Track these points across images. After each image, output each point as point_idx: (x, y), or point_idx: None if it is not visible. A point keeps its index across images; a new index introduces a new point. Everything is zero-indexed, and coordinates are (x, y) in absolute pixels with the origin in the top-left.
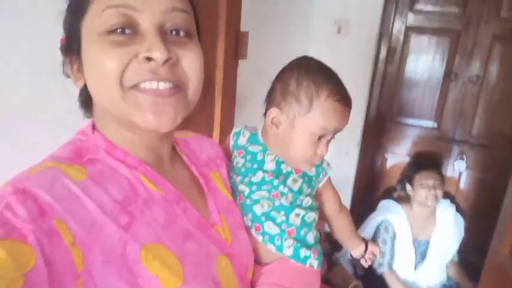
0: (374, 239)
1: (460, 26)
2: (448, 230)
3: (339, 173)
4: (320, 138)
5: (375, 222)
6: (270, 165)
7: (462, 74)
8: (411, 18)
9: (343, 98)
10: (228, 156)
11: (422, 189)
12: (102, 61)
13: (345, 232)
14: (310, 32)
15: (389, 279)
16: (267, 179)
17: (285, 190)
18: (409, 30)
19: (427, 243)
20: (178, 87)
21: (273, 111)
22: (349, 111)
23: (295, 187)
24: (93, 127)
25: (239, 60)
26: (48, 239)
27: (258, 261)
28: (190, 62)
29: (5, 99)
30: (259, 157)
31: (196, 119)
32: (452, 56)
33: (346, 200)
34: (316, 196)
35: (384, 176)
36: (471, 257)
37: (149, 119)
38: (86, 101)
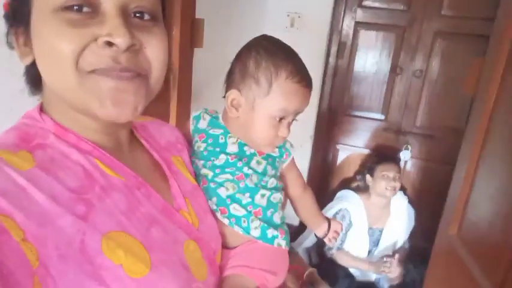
0: None
1: (405, 22)
2: (400, 219)
3: None
4: (281, 120)
5: (333, 211)
6: (232, 148)
7: (407, 68)
8: (360, 14)
9: (303, 79)
10: (189, 141)
11: (383, 180)
12: (55, 42)
13: (309, 212)
14: (265, 24)
15: (339, 257)
16: (230, 161)
17: (249, 172)
18: (358, 25)
19: (381, 231)
20: (140, 75)
21: (232, 93)
22: (310, 91)
23: (259, 169)
24: (41, 110)
25: (195, 49)
26: None
27: (225, 246)
28: (155, 49)
29: None
30: (221, 140)
31: (152, 107)
32: (398, 51)
33: None
34: (281, 177)
35: (336, 167)
36: (419, 242)
37: (108, 108)
38: (34, 78)
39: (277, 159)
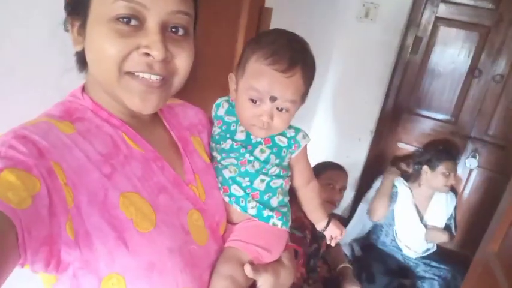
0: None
1: (490, 22)
2: (440, 209)
3: (349, 157)
4: (256, 102)
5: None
6: (240, 136)
7: (486, 72)
8: (442, 9)
9: (275, 62)
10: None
11: (444, 177)
12: (105, 47)
13: (310, 205)
14: (337, 13)
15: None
16: (234, 146)
17: (251, 158)
18: (438, 20)
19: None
20: (167, 79)
21: (231, 78)
22: (287, 77)
23: (262, 157)
24: (83, 90)
25: None
26: (48, 174)
27: (230, 221)
28: (183, 61)
29: None
30: (232, 127)
31: (210, 94)
32: (479, 52)
33: (353, 184)
34: (291, 166)
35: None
36: (471, 252)
37: (136, 102)
38: (82, 61)
39: (283, 149)
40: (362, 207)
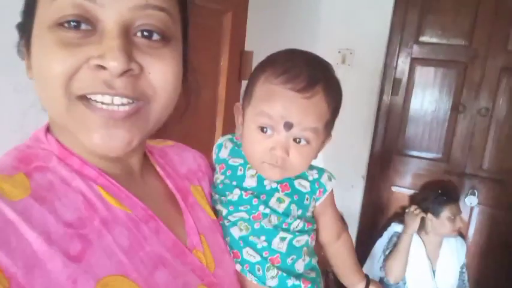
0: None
1: (466, 58)
2: (451, 255)
3: (343, 207)
4: (267, 131)
5: (389, 233)
6: (250, 182)
7: (470, 106)
8: (416, 50)
9: (290, 81)
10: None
11: (450, 222)
12: (46, 62)
13: (342, 265)
14: None
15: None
16: (244, 197)
17: (267, 211)
18: (414, 61)
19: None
20: (140, 102)
21: (236, 109)
22: (306, 98)
23: (281, 208)
24: (47, 130)
25: (243, 81)
26: None
27: None
28: (160, 74)
29: None
30: (240, 172)
31: (195, 139)
32: (460, 88)
33: (351, 235)
34: (315, 217)
35: (390, 210)
36: None
37: (95, 140)
38: None
39: (306, 196)
40: (369, 265)
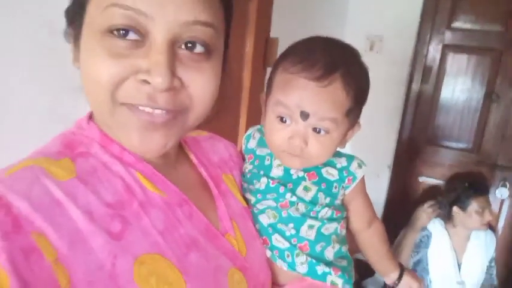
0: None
1: (501, 45)
2: (479, 250)
3: (369, 195)
4: (286, 120)
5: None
6: (277, 171)
7: (504, 96)
8: (449, 36)
9: (306, 70)
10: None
11: (479, 216)
12: (94, 69)
13: (375, 253)
14: None
15: None
16: (271, 185)
17: (294, 199)
18: (446, 48)
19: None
20: (178, 113)
21: (261, 98)
22: (322, 87)
23: (308, 196)
24: (90, 118)
25: (267, 68)
26: (25, 256)
27: (274, 281)
28: (199, 88)
29: None
30: (267, 162)
31: (220, 125)
32: (494, 76)
33: None
34: (345, 204)
35: (417, 200)
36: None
37: (134, 141)
38: None
39: (334, 184)
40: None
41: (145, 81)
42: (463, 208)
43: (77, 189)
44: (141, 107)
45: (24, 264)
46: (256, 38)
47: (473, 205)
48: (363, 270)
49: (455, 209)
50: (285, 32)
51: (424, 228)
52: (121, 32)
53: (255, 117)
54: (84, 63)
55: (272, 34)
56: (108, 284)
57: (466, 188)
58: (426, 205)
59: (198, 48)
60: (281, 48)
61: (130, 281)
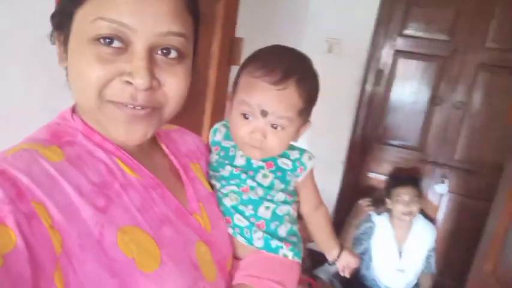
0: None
1: (447, 52)
2: (420, 239)
3: (322, 191)
4: (248, 117)
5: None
6: (240, 161)
7: (447, 99)
8: (400, 42)
9: (267, 74)
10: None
11: (399, 204)
12: (84, 71)
13: (320, 233)
14: (302, 47)
15: None
16: (234, 173)
17: (254, 184)
18: (397, 53)
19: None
20: (155, 108)
21: (228, 97)
22: (279, 90)
23: (265, 182)
24: (73, 111)
25: (232, 66)
26: (27, 221)
27: (235, 256)
28: (173, 88)
29: None
30: (231, 153)
31: (185, 121)
32: (438, 81)
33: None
34: (296, 190)
35: (366, 195)
36: (452, 281)
37: (120, 133)
38: None
39: (288, 173)
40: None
41: (129, 82)
42: (390, 197)
43: (67, 169)
44: (124, 104)
45: (27, 227)
46: (223, 38)
47: (396, 194)
48: (315, 260)
49: (387, 200)
50: (250, 32)
51: (369, 220)
52: (106, 40)
53: (219, 112)
54: (74, 65)
55: (237, 34)
56: (96, 248)
57: (392, 179)
58: (361, 201)
59: (172, 54)
60: (246, 48)
61: (115, 246)
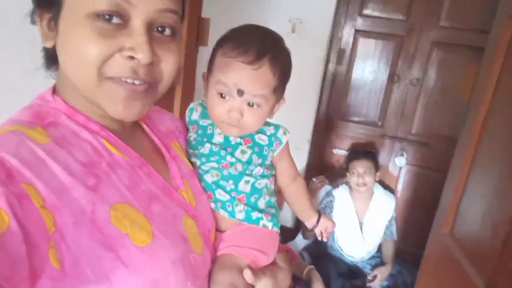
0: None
1: (403, 31)
2: (379, 209)
3: None
4: (225, 96)
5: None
6: (218, 138)
7: (404, 77)
8: (360, 22)
9: (240, 55)
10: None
11: (354, 176)
12: (83, 48)
13: (298, 203)
14: (269, 26)
15: None
16: (214, 150)
17: (233, 160)
18: (357, 33)
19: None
20: (152, 84)
21: (203, 77)
22: (254, 69)
23: (244, 158)
24: (53, 92)
25: (200, 47)
26: (19, 201)
27: (218, 229)
28: (169, 64)
29: None
30: (209, 131)
31: (157, 102)
32: (396, 59)
33: None
34: (273, 164)
35: (331, 170)
36: (412, 247)
37: (119, 109)
38: (51, 58)
39: (265, 148)
40: None
41: (131, 57)
42: (347, 170)
43: (55, 150)
44: (124, 78)
45: (19, 207)
46: (190, 18)
47: (351, 166)
48: (286, 236)
49: (347, 174)
50: (214, 13)
51: (329, 194)
52: (106, 16)
53: (189, 92)
54: (69, 42)
55: (203, 14)
56: (90, 225)
57: (349, 153)
58: (314, 179)
59: (167, 31)
60: (212, 28)
61: (108, 222)
